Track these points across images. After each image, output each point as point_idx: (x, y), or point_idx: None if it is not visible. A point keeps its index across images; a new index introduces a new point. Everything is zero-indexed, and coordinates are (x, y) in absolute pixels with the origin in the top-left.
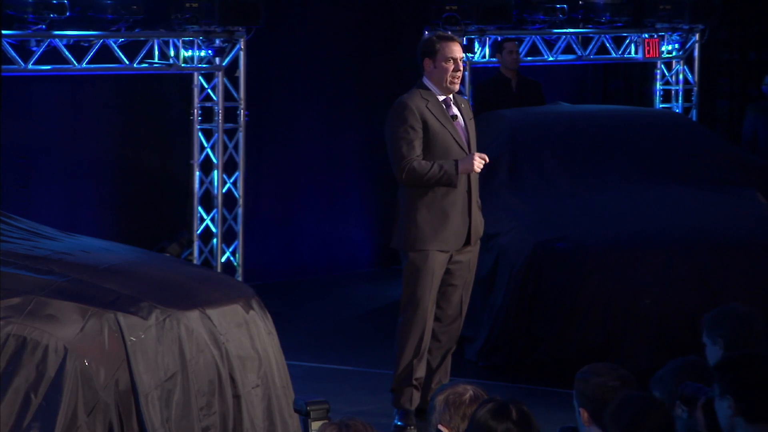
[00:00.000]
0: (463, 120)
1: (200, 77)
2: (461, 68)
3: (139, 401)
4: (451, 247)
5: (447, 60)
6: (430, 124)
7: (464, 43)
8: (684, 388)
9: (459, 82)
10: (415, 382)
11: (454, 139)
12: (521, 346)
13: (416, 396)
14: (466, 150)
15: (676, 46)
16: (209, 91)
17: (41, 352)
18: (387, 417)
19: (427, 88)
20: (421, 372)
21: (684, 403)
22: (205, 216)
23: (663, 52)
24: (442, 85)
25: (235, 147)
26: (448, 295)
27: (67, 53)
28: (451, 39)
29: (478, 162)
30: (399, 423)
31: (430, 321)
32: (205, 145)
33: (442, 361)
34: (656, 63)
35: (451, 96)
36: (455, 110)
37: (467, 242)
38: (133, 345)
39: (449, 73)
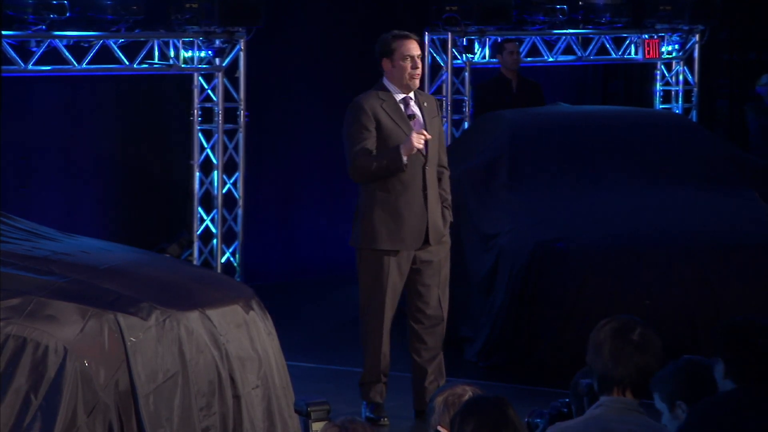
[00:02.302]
0: (423, 118)
1: (200, 78)
2: (419, 65)
3: (138, 402)
4: (407, 246)
5: (404, 58)
6: (384, 123)
7: (464, 43)
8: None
9: (419, 79)
10: (384, 378)
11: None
12: (521, 346)
13: (384, 390)
14: (423, 151)
15: (676, 46)
16: (209, 91)
17: (41, 352)
18: (389, 418)
19: (385, 88)
20: (385, 368)
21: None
22: (205, 216)
23: (663, 52)
24: (402, 83)
25: (235, 148)
26: (425, 296)
27: (67, 54)
28: (407, 36)
29: (417, 138)
30: (370, 415)
31: (388, 319)
32: (205, 145)
33: (432, 362)
34: (656, 64)
35: (412, 94)
36: (414, 109)
37: (427, 241)
38: (132, 345)
39: (407, 71)
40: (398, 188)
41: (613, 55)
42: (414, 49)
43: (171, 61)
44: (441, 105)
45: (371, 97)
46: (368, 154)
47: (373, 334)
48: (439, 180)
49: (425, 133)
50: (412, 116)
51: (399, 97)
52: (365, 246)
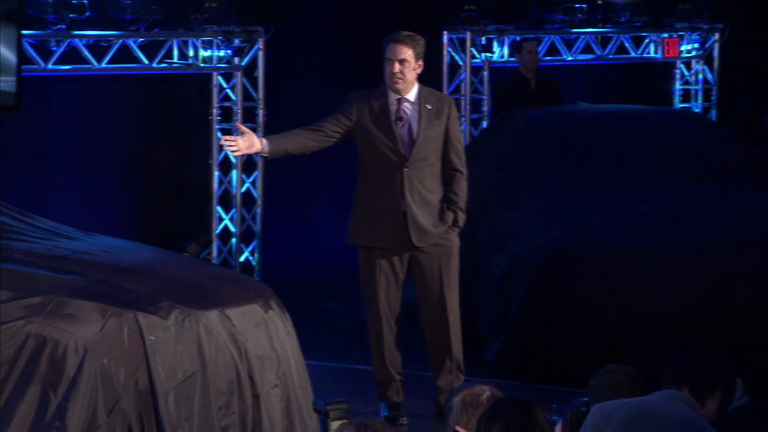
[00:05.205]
0: (420, 120)
1: (219, 77)
2: (397, 69)
3: (158, 401)
4: (384, 243)
5: (387, 61)
6: (364, 123)
7: (483, 42)
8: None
9: (401, 82)
10: (398, 377)
11: (388, 140)
12: (538, 346)
13: (402, 389)
14: (403, 152)
15: (696, 45)
16: (228, 91)
17: (61, 351)
18: (407, 417)
19: (384, 88)
20: (393, 364)
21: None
22: (223, 216)
23: (682, 51)
24: (389, 84)
25: None
26: (421, 296)
27: (86, 53)
28: (392, 39)
29: (224, 140)
30: (388, 414)
31: (386, 316)
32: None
33: (441, 364)
34: (675, 63)
35: (412, 96)
36: (406, 111)
37: (411, 243)
38: (152, 344)
39: (388, 72)
40: (376, 187)
41: (632, 54)
42: (393, 52)
43: (190, 61)
44: (453, 105)
45: (365, 93)
46: (309, 126)
47: (374, 332)
48: (450, 183)
49: (228, 139)
50: (399, 119)
51: (394, 97)
52: (354, 243)
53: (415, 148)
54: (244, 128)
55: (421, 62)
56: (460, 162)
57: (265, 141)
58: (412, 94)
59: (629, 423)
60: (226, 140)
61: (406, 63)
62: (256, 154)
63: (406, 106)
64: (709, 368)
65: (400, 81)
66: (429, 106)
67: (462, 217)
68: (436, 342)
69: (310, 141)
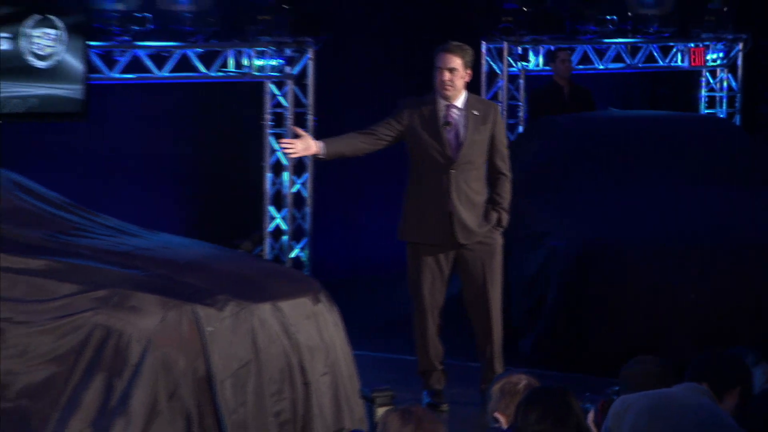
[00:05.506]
0: (468, 125)
1: (272, 85)
2: (446, 78)
3: (214, 388)
4: (431, 240)
5: (437, 69)
6: (414, 127)
7: (519, 51)
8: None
9: (450, 89)
10: (440, 366)
11: (436, 144)
12: (571, 340)
13: (443, 378)
14: (450, 155)
15: (721, 54)
16: (280, 98)
17: (125, 341)
18: (449, 404)
19: (434, 95)
20: (436, 356)
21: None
22: (275, 215)
23: (708, 60)
24: (438, 92)
25: None
26: (466, 290)
27: (148, 63)
28: (442, 49)
29: (284, 144)
30: (430, 401)
31: (430, 309)
32: (276, 148)
33: (484, 354)
34: (701, 71)
35: (460, 102)
36: (454, 117)
37: (457, 241)
38: (209, 335)
39: (439, 80)
40: (424, 188)
41: (661, 63)
42: (443, 61)
43: (245, 70)
44: (498, 112)
45: (415, 100)
46: (362, 130)
47: (418, 324)
48: (495, 185)
49: (286, 142)
50: (447, 124)
51: (442, 104)
52: (402, 239)
53: (461, 152)
54: (301, 132)
55: (469, 71)
56: (504, 165)
57: (320, 144)
58: (460, 101)
59: (648, 411)
60: (284, 143)
61: (456, 71)
62: (306, 156)
63: (454, 112)
64: (729, 366)
65: (450, 88)
66: (476, 113)
67: (506, 218)
68: (479, 334)
69: (363, 144)
